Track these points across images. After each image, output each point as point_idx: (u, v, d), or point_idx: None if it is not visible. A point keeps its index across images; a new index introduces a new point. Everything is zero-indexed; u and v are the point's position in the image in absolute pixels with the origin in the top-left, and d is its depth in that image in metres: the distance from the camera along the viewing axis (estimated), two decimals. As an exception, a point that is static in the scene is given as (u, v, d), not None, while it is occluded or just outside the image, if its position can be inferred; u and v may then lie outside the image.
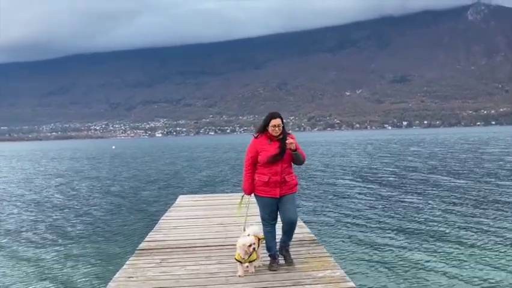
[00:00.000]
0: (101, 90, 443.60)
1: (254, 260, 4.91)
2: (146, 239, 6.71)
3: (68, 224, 12.39)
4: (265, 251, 5.24)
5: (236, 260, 4.86)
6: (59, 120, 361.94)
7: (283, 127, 5.11)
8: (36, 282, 7.36)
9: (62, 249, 9.53)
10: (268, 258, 5.23)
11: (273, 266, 5.09)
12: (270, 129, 5.07)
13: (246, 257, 4.78)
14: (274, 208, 5.15)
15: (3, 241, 10.45)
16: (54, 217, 13.47)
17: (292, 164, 5.23)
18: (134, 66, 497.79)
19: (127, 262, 5.54)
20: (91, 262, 8.43)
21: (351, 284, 4.56)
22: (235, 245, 6.10)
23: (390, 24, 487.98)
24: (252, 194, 5.27)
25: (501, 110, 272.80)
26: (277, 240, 5.28)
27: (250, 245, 4.78)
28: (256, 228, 5.16)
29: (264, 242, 5.22)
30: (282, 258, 5.24)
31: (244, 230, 5.13)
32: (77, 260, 8.60)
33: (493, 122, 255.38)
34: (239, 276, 4.77)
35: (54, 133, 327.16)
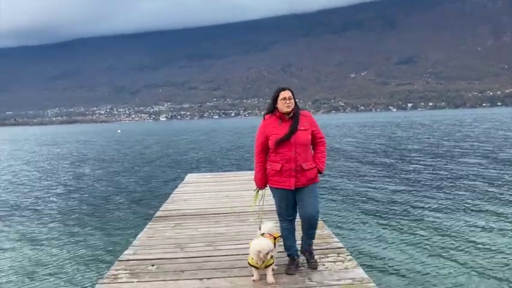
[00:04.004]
0: (105, 74, 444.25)
1: (271, 264, 4.18)
2: (161, 208, 7.57)
3: (92, 199, 13.36)
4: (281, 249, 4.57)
5: (249, 264, 4.20)
6: (64, 105, 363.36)
7: (295, 103, 4.43)
8: (70, 247, 8.30)
9: (90, 219, 10.64)
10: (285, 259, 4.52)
11: (290, 269, 4.36)
12: (279, 104, 4.33)
13: (261, 263, 4.11)
14: (291, 202, 4.39)
15: (41, 214, 11.30)
16: (82, 195, 14.33)
17: (311, 148, 4.48)
18: (139, 50, 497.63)
19: (147, 226, 6.37)
20: (115, 228, 9.62)
21: (336, 239, 5.31)
22: (240, 213, 6.81)
23: (396, 5, 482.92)
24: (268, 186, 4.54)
25: (507, 91, 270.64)
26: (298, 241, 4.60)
27: (267, 253, 4.08)
28: (271, 225, 4.55)
29: (282, 240, 4.51)
30: (304, 261, 4.52)
31: (260, 228, 4.52)
32: (102, 227, 9.76)
33: (499, 103, 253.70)
34: (254, 280, 4.16)
35: (59, 117, 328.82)
